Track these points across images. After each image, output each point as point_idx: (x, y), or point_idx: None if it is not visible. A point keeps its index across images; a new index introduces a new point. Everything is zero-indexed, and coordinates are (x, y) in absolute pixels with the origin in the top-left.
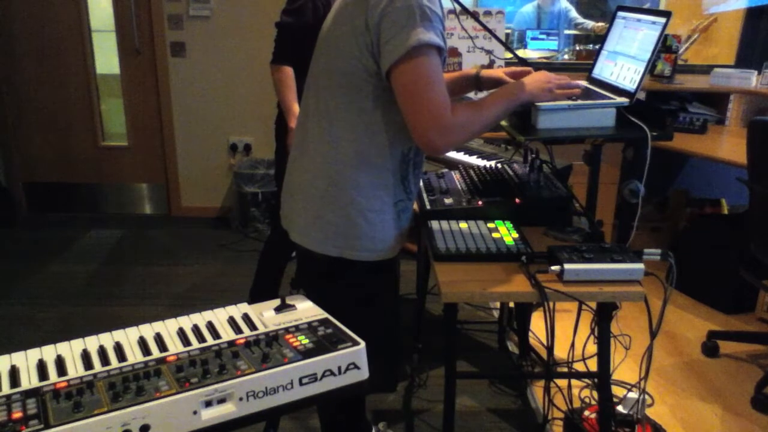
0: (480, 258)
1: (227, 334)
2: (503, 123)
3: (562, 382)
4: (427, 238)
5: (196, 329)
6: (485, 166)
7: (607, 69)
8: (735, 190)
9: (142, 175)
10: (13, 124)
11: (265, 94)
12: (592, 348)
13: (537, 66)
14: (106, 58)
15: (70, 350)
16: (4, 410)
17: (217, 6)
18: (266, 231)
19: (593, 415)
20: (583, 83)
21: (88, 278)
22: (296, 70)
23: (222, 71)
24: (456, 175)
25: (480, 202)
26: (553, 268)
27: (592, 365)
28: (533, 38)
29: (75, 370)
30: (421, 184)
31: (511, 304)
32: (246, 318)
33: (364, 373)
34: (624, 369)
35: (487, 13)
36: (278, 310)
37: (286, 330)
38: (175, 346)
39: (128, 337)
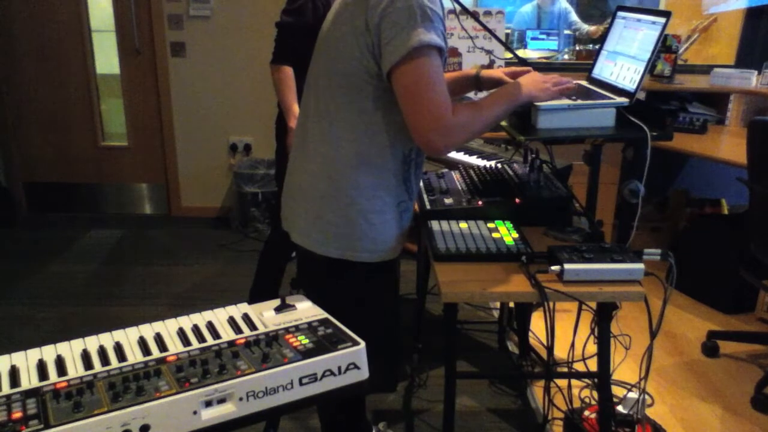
0: (480, 258)
1: (227, 334)
2: (503, 123)
3: (562, 382)
4: (427, 238)
5: (196, 329)
6: (485, 166)
7: (607, 69)
8: (735, 190)
9: (142, 175)
10: (13, 124)
11: (265, 94)
12: (592, 348)
13: (537, 66)
14: (106, 58)
15: (70, 350)
16: (4, 410)
17: (217, 6)
18: (266, 231)
19: (593, 415)
20: (583, 83)
21: (88, 278)
22: (296, 70)
23: (222, 71)
24: (456, 175)
25: (480, 202)
26: (553, 268)
27: (592, 365)
28: (533, 38)
29: (75, 370)
30: (421, 184)
31: (511, 304)
32: (246, 318)
33: (364, 373)
34: (624, 369)
35: (487, 13)
36: (278, 310)
37: (286, 330)
38: (175, 346)
39: (128, 337)
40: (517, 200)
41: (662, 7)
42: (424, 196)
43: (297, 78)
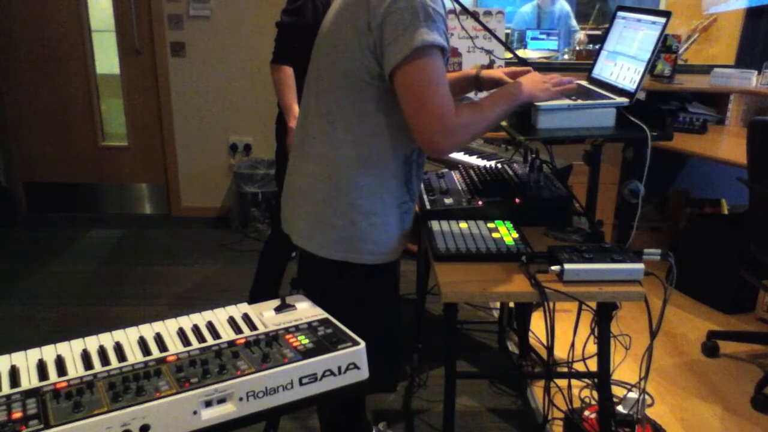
0: (480, 258)
1: (227, 334)
2: (503, 123)
3: (562, 382)
4: (427, 239)
5: (196, 329)
6: (485, 166)
7: (607, 69)
8: (735, 190)
9: (142, 175)
10: (13, 124)
11: (265, 94)
12: (592, 348)
13: (537, 66)
14: (106, 58)
15: (70, 350)
16: (4, 410)
17: (217, 6)
18: (266, 231)
19: (593, 415)
20: (583, 83)
21: (88, 278)
22: (296, 70)
23: (222, 71)
24: (456, 175)
25: (480, 202)
26: (553, 268)
27: (592, 365)
28: (533, 38)
29: (75, 370)
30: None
31: (511, 304)
32: (246, 318)
33: (364, 373)
34: (624, 369)
35: (487, 13)
36: (278, 310)
37: (286, 330)
38: (175, 346)
39: (128, 337)
40: (517, 200)
41: (662, 7)
42: (424, 196)
43: (297, 78)
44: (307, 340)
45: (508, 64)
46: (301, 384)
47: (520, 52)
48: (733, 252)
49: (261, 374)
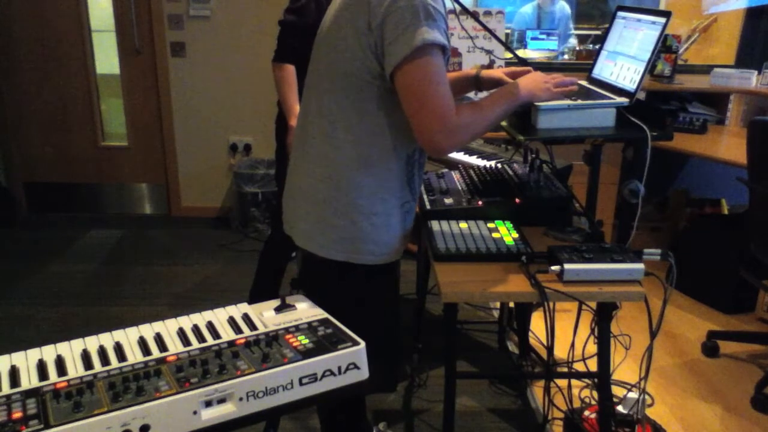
0: (480, 258)
1: (227, 334)
2: (503, 123)
3: (562, 382)
4: (427, 239)
5: (196, 329)
6: (485, 166)
7: (607, 69)
8: (735, 190)
9: (142, 175)
10: (13, 124)
11: (265, 94)
12: (592, 348)
13: (537, 66)
14: (106, 58)
15: (70, 350)
16: (4, 410)
17: (217, 6)
18: (266, 231)
19: (593, 415)
20: (583, 83)
21: (88, 278)
22: (298, 69)
23: (222, 71)
24: (456, 175)
25: (480, 202)
26: (553, 268)
27: (592, 365)
28: (533, 38)
29: (75, 370)
30: None
31: (511, 304)
32: (246, 318)
33: (364, 373)
34: (624, 369)
35: (487, 13)
36: (278, 310)
37: (286, 330)
38: (175, 346)
39: (128, 337)
40: (517, 200)
41: (662, 7)
42: (425, 196)
43: (299, 77)
44: (307, 340)
45: (508, 64)
46: (301, 384)
47: (520, 52)
48: (733, 252)
49: (261, 374)
